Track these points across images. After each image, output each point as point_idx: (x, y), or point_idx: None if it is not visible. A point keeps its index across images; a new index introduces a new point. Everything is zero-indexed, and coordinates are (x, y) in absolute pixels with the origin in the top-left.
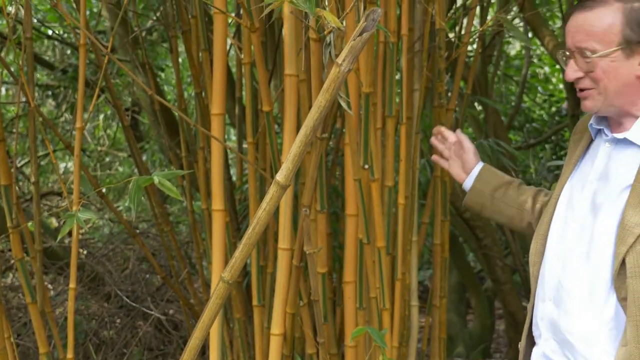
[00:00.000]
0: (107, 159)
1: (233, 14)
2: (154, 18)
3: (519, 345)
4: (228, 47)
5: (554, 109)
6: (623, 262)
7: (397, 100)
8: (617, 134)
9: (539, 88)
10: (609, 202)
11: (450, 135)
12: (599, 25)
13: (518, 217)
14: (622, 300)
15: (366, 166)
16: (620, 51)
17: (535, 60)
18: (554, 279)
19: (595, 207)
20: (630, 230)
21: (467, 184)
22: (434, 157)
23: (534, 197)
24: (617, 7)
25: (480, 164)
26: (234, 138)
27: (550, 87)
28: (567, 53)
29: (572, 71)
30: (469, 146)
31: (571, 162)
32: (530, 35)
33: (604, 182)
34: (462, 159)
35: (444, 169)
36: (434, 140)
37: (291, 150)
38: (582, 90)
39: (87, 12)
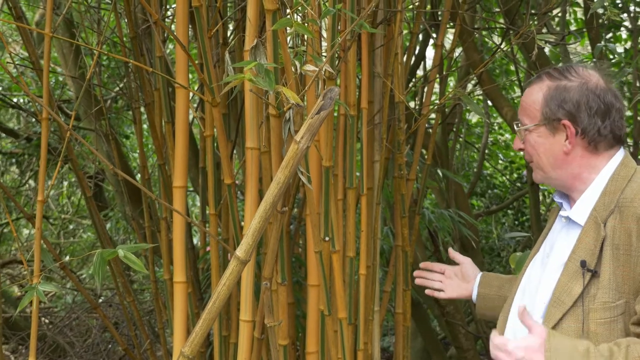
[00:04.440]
0: (71, 227)
1: (196, 87)
2: (117, 89)
3: None
4: (191, 119)
5: (515, 175)
6: None
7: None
8: (563, 211)
9: (500, 155)
10: (547, 278)
11: (436, 267)
12: (528, 100)
13: None
14: None
15: (327, 238)
16: (544, 127)
17: (496, 128)
18: None
19: (539, 283)
20: (557, 307)
21: (474, 295)
22: (428, 292)
23: None
24: (544, 84)
25: (480, 273)
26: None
27: (512, 154)
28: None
29: (518, 142)
30: (463, 259)
31: (542, 236)
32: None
33: (550, 259)
34: (462, 273)
35: (444, 298)
36: (418, 281)
37: (251, 225)
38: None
39: (52, 81)
